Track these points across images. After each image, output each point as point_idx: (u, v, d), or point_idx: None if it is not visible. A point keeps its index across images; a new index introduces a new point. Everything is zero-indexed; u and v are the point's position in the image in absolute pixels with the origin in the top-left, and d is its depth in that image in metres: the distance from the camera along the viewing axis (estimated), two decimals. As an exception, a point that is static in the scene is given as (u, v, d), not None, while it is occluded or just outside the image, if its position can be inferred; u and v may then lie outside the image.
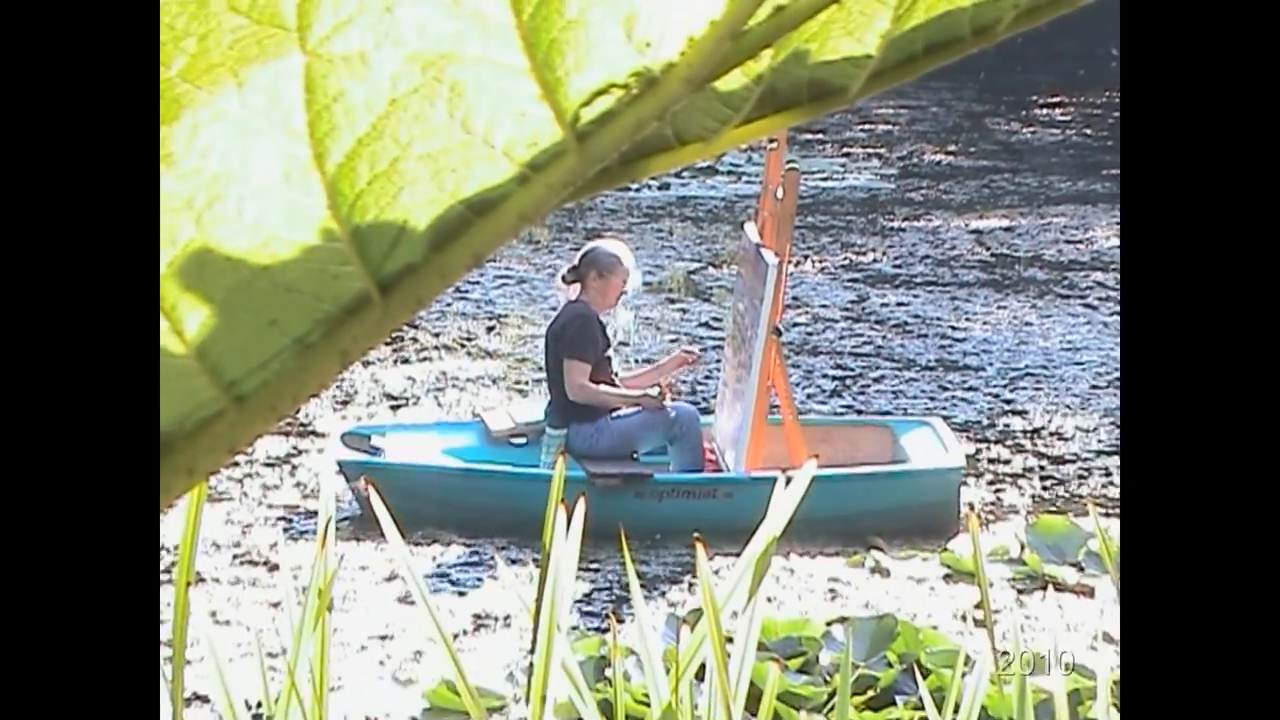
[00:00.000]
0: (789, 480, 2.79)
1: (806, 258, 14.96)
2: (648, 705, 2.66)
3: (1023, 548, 9.06)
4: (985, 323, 13.62)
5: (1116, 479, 10.47)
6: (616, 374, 9.55)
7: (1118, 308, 14.05)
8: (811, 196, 16.62)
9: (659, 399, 9.43)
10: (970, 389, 12.06)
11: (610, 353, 9.56)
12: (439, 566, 8.90)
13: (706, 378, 11.27)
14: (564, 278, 9.59)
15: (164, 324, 0.60)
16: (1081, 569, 8.92)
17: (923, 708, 3.19)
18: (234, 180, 0.59)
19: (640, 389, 9.64)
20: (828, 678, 7.32)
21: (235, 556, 9.01)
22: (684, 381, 10.73)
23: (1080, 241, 16.16)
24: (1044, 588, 8.62)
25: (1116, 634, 8.05)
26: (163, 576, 8.42)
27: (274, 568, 8.71)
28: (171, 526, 3.49)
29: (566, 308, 9.56)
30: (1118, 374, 12.34)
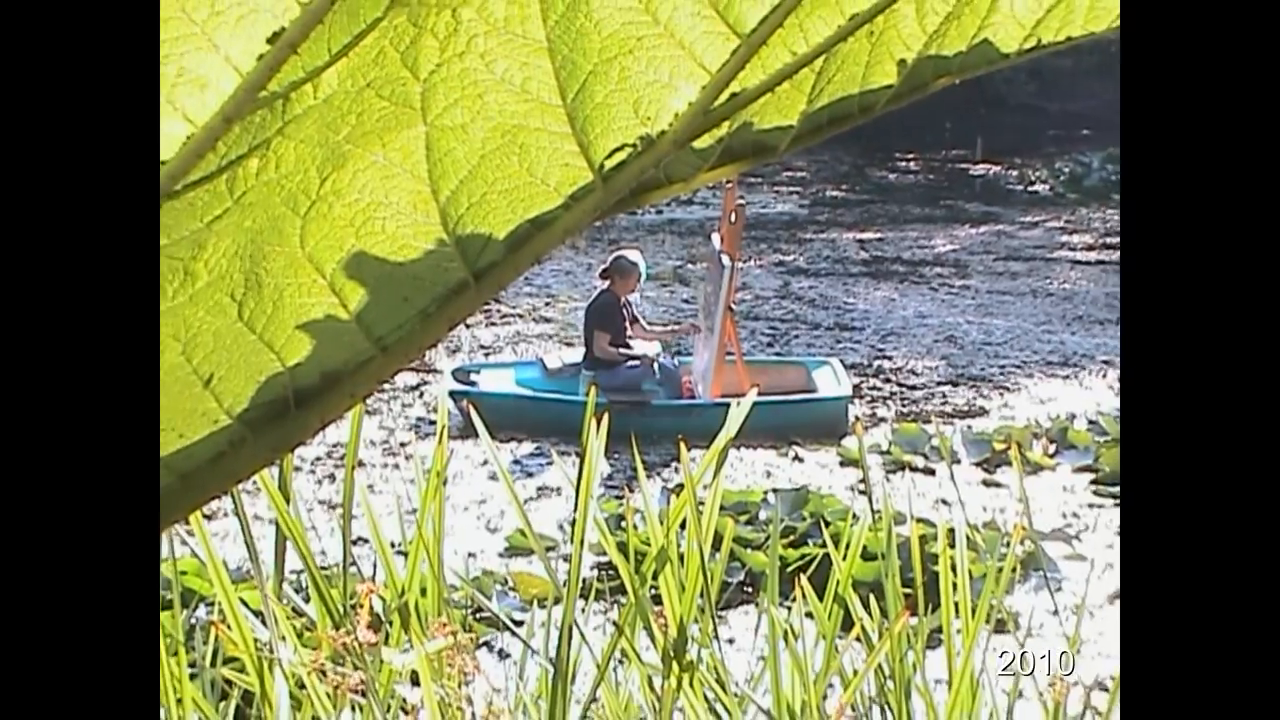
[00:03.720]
0: (739, 404, 2.79)
1: (751, 258, 14.94)
2: (649, 545, 2.66)
3: (890, 444, 9.08)
4: (865, 300, 13.61)
5: (950, 399, 10.48)
6: (631, 337, 9.69)
7: (952, 291, 14.04)
8: (754, 218, 16.60)
9: (652, 360, 9.60)
10: (856, 342, 12.06)
11: (626, 324, 9.67)
12: (515, 457, 8.91)
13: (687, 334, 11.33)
14: (601, 275, 9.77)
15: (335, 300, 0.60)
16: (926, 457, 8.94)
17: (825, 546, 3.18)
18: (380, 207, 0.59)
19: (656, 337, 9.84)
20: (764, 527, 7.34)
21: (384, 449, 9.03)
22: (679, 339, 10.75)
23: (926, 247, 16.14)
24: (902, 470, 8.64)
25: (951, 499, 8.05)
26: (337, 464, 8.44)
27: (409, 457, 8.74)
28: (342, 431, 3.50)
29: (599, 294, 9.75)
30: (951, 333, 12.34)
